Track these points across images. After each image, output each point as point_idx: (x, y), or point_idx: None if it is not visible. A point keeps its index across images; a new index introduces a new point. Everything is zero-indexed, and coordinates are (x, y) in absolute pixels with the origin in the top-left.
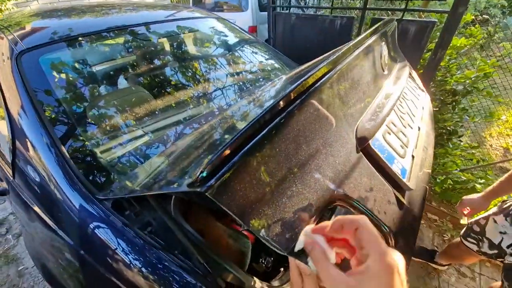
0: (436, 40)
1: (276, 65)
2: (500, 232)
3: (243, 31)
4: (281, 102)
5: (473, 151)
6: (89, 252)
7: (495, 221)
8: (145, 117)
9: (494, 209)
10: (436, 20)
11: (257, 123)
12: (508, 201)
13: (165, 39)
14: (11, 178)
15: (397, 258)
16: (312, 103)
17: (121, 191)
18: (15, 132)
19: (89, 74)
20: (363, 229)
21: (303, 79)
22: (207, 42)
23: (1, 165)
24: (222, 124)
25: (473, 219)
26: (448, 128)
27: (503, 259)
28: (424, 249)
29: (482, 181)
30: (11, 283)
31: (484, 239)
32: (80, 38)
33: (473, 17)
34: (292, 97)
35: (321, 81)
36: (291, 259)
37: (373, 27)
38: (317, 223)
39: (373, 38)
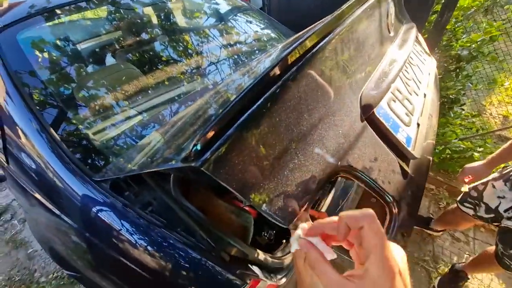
0: (443, 1)
1: (273, 35)
2: (498, 197)
3: None
4: (277, 68)
5: (473, 119)
6: (94, 234)
7: (493, 186)
8: (136, 95)
9: (494, 175)
10: None
11: (253, 90)
12: (509, 167)
13: (152, 8)
14: (6, 164)
15: (399, 257)
16: (313, 68)
17: (117, 171)
18: (2, 118)
19: (73, 51)
20: (369, 229)
21: (301, 40)
22: (197, 12)
23: None
24: (217, 98)
25: (471, 186)
26: (450, 96)
27: (499, 223)
28: (420, 216)
29: (481, 149)
30: (21, 266)
31: (481, 204)
32: (58, 11)
33: None
34: (290, 62)
35: (323, 42)
36: (293, 232)
37: None
38: (318, 199)
39: None
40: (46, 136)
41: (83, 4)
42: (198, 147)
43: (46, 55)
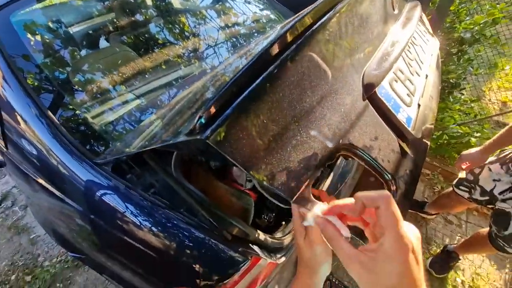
0: None
1: (272, 16)
2: (494, 180)
3: None
4: (281, 42)
5: (472, 105)
6: (99, 216)
7: (490, 170)
8: (134, 78)
9: (491, 159)
10: None
11: (256, 64)
12: (506, 151)
13: None
14: (5, 150)
15: (413, 235)
16: (316, 44)
17: (117, 153)
18: (0, 103)
19: (69, 34)
20: (386, 210)
21: (304, 14)
22: None
23: None
24: (217, 79)
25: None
26: (451, 80)
27: (493, 206)
28: (415, 200)
29: (478, 134)
30: (25, 251)
31: (477, 187)
32: None
33: None
34: (294, 37)
35: (325, 18)
36: (294, 209)
37: None
38: (317, 181)
39: None
40: (45, 121)
41: None
42: (203, 120)
43: (42, 38)
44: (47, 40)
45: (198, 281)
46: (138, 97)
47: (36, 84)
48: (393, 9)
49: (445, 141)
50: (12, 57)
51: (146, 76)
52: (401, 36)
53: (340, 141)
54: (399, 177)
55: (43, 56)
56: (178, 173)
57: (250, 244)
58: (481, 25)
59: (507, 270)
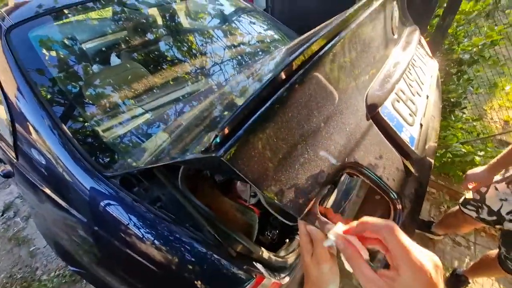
0: (445, 5)
1: (276, 36)
2: (501, 199)
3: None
4: (291, 67)
5: (474, 123)
6: (104, 228)
7: (496, 189)
8: (145, 94)
9: (497, 178)
10: None
11: (268, 88)
12: (511, 170)
13: (157, 9)
14: (15, 160)
15: (431, 264)
16: (323, 68)
17: (128, 167)
18: (14, 114)
19: (83, 50)
20: (392, 241)
21: (313, 40)
22: (201, 13)
23: (3, 148)
24: (224, 98)
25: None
26: (451, 99)
27: (501, 226)
28: (421, 220)
29: (482, 153)
30: (23, 264)
31: (484, 206)
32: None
33: None
34: (303, 61)
35: (331, 43)
36: (301, 226)
37: None
38: (327, 190)
39: None
40: (58, 133)
41: (91, 4)
42: (218, 139)
43: (57, 53)
44: (62, 56)
45: None
46: (147, 112)
47: (49, 97)
48: (393, 34)
49: (449, 159)
50: (28, 71)
51: (156, 92)
52: (402, 58)
53: (346, 159)
54: (405, 196)
55: (58, 70)
56: (184, 187)
57: (254, 262)
58: (480, 47)
59: None
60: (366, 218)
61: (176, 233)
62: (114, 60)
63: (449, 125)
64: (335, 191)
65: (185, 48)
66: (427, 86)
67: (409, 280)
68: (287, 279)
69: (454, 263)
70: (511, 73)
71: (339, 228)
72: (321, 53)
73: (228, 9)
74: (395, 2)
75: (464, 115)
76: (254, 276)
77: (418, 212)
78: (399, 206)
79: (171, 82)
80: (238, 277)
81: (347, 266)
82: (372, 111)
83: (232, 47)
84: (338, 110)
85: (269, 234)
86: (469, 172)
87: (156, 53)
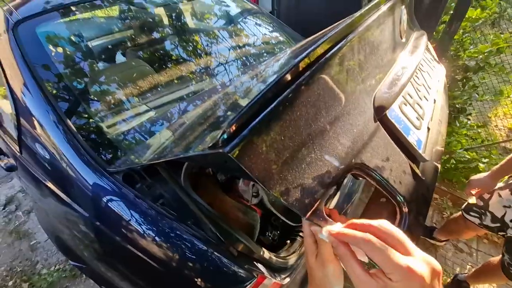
0: (451, 12)
1: (281, 38)
2: (504, 206)
3: (245, 1)
4: (301, 65)
5: (479, 130)
6: (104, 223)
7: (500, 196)
8: (150, 92)
9: (500, 184)
10: None
11: (277, 85)
12: None
13: (164, 8)
14: (18, 154)
15: (428, 268)
16: (332, 68)
17: (131, 164)
18: (19, 108)
19: (89, 47)
20: (372, 257)
21: (322, 40)
22: (208, 13)
23: (7, 142)
24: (228, 98)
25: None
26: (456, 105)
27: (504, 233)
28: (424, 225)
29: (486, 160)
30: (24, 257)
31: (487, 213)
32: (74, 8)
33: None
34: (312, 60)
35: (342, 43)
36: (306, 226)
37: None
38: (334, 190)
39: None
40: (62, 128)
41: (98, 2)
42: (225, 136)
43: (64, 49)
44: (68, 52)
45: None
46: (151, 110)
47: (55, 92)
48: (401, 38)
49: (453, 166)
50: (35, 66)
51: (160, 90)
52: (410, 62)
53: (353, 161)
54: (411, 200)
55: (64, 66)
56: (187, 185)
57: (255, 262)
58: (486, 54)
59: None
60: (346, 230)
61: (178, 231)
62: (120, 58)
63: (454, 131)
64: (338, 193)
65: (191, 47)
66: (434, 90)
67: (402, 285)
68: (287, 279)
69: (456, 269)
70: None
71: (336, 227)
72: (329, 54)
73: (234, 10)
74: (403, 6)
75: (469, 122)
76: (256, 276)
77: (424, 216)
78: (405, 210)
79: (176, 81)
80: (239, 276)
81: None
82: (380, 113)
83: (237, 48)
84: (346, 111)
85: (270, 234)
86: (472, 178)
87: (161, 52)
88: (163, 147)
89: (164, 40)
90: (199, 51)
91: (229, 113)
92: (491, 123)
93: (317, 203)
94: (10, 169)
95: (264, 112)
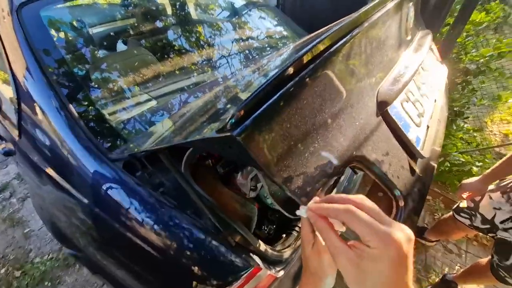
0: (456, 14)
1: (285, 33)
2: (494, 208)
3: None
4: (309, 55)
5: (474, 134)
6: (104, 210)
7: (490, 198)
8: (153, 81)
9: (491, 187)
10: None
11: (285, 74)
12: (507, 179)
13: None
14: (17, 139)
15: (404, 237)
16: (339, 61)
17: (133, 150)
18: (20, 93)
19: (94, 34)
20: (352, 226)
21: (331, 32)
22: (212, 4)
23: (6, 126)
24: (232, 91)
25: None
26: (454, 108)
27: (494, 234)
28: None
29: (480, 164)
30: (17, 245)
31: (477, 214)
32: None
33: None
34: (320, 52)
35: (349, 36)
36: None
37: None
38: (334, 182)
39: None
40: (65, 113)
41: None
42: (233, 120)
43: (68, 35)
44: (74, 38)
45: (199, 285)
46: (153, 99)
47: (60, 77)
48: (407, 35)
49: (447, 168)
50: (39, 50)
51: (162, 80)
52: (413, 60)
53: (354, 153)
54: (408, 194)
55: (66, 52)
56: (187, 173)
57: (251, 253)
58: (487, 58)
59: None
60: (326, 204)
61: (177, 219)
62: (122, 46)
63: (450, 134)
64: (334, 190)
65: (193, 38)
66: (435, 90)
67: (379, 251)
68: (282, 272)
69: (444, 269)
70: None
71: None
72: (333, 48)
73: (239, 2)
74: (411, 4)
75: (465, 125)
76: (252, 265)
77: (419, 211)
78: (401, 204)
79: (178, 71)
80: (235, 265)
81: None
82: (382, 108)
83: (241, 41)
84: (350, 104)
85: (266, 228)
86: (464, 182)
87: (164, 41)
88: (164, 136)
89: (167, 29)
90: (202, 42)
91: (228, 105)
92: (487, 128)
93: (318, 192)
94: (7, 153)
95: (271, 100)
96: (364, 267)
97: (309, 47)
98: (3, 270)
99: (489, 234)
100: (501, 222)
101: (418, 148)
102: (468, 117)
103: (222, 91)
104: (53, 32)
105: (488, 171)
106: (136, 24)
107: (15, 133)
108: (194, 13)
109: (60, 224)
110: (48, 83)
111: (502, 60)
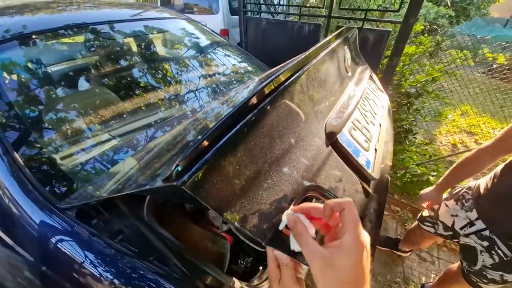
0: (392, 48)
1: (249, 68)
2: (452, 215)
3: (215, 34)
4: (254, 98)
5: (426, 147)
6: (52, 267)
7: (446, 205)
8: (111, 120)
9: (445, 195)
10: (391, 30)
11: (231, 117)
12: (457, 188)
13: (131, 39)
14: None
15: (367, 238)
16: (285, 99)
17: (86, 198)
18: None
19: (46, 75)
20: (349, 211)
21: (274, 75)
22: (177, 44)
23: None
24: (195, 125)
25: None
26: (404, 126)
27: (458, 240)
28: (389, 238)
29: (435, 173)
30: None
31: (438, 222)
32: (34, 37)
33: (423, 27)
34: (265, 93)
35: (292, 78)
36: (269, 251)
37: (336, 32)
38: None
39: (337, 42)
40: (7, 160)
41: (62, 31)
42: (179, 168)
43: (18, 77)
44: (25, 80)
45: None
46: (114, 138)
47: (3, 121)
48: (347, 72)
49: (408, 179)
50: None
51: (125, 118)
52: (356, 92)
53: (308, 183)
54: (364, 216)
55: (19, 95)
56: (151, 218)
57: None
58: (423, 83)
59: None
60: (329, 201)
61: (140, 270)
62: (83, 84)
63: (405, 149)
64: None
65: (159, 75)
66: (379, 115)
67: (352, 245)
68: None
69: (422, 278)
70: (452, 103)
71: (291, 209)
72: (285, 84)
73: (204, 42)
74: (346, 47)
75: (416, 140)
76: None
77: (378, 230)
78: None
79: (142, 108)
80: None
81: (295, 245)
82: (331, 138)
83: (207, 77)
84: (300, 137)
85: (242, 262)
86: (421, 192)
87: (128, 79)
88: (124, 178)
89: (131, 67)
90: (167, 79)
91: (195, 138)
92: (437, 140)
93: (275, 228)
94: None
95: (218, 144)
96: (338, 263)
97: (259, 87)
98: None
99: (453, 240)
100: (461, 229)
101: (369, 171)
102: (417, 132)
103: (189, 126)
104: (4, 75)
105: (440, 180)
106: (96, 63)
107: None
108: (159, 52)
109: (7, 284)
110: None
111: (436, 82)
